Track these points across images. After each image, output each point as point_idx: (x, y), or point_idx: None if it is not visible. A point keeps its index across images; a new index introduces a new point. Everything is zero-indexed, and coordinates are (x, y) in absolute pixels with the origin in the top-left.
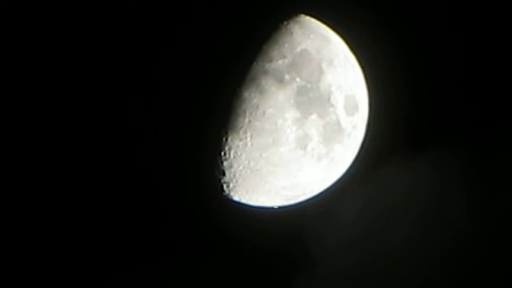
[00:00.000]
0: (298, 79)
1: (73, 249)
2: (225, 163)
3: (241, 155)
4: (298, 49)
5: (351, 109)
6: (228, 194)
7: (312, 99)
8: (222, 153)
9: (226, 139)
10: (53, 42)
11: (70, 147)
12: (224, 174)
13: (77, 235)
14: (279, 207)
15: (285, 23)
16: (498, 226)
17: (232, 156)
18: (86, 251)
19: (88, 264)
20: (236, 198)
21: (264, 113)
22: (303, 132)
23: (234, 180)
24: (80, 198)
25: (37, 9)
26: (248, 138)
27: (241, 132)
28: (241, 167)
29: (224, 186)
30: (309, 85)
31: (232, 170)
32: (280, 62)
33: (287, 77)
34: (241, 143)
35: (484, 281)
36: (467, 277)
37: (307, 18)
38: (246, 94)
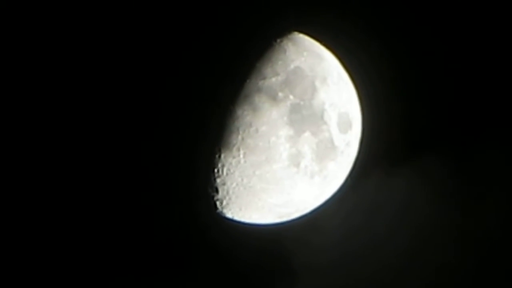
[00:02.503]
0: (291, 97)
1: (64, 252)
2: (218, 180)
3: (234, 172)
4: (292, 66)
5: (344, 126)
6: (221, 211)
7: (305, 117)
8: (215, 170)
9: (219, 156)
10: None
11: (62, 156)
12: (217, 191)
13: (70, 241)
14: (272, 224)
15: (278, 40)
16: (489, 233)
17: (225, 173)
18: (80, 257)
19: (81, 269)
20: (229, 215)
21: (257, 130)
22: (296, 149)
23: (227, 197)
24: (73, 209)
25: (35, 9)
26: (241, 156)
27: (234, 149)
28: (234, 184)
29: (217, 203)
30: (302, 103)
31: (225, 187)
32: (273, 79)
33: (280, 94)
34: (234, 161)
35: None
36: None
37: (301, 35)
38: (239, 112)
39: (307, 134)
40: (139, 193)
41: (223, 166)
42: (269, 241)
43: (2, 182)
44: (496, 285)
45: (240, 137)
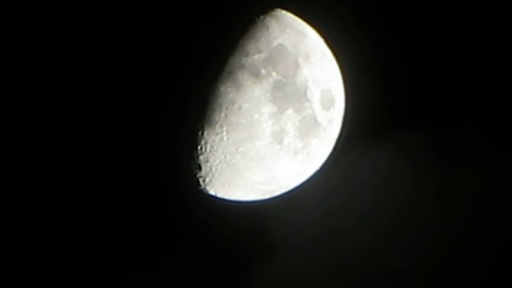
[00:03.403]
0: (274, 74)
1: (48, 239)
2: (201, 158)
3: (217, 149)
4: (275, 43)
5: (327, 103)
6: (204, 189)
7: (288, 94)
8: (198, 148)
9: (202, 134)
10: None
11: (48, 146)
12: (200, 168)
13: (51, 223)
14: (255, 201)
15: (261, 17)
16: (469, 207)
17: (208, 151)
18: (58, 241)
19: (62, 254)
20: (212, 192)
21: (240, 107)
22: (279, 126)
23: (210, 175)
24: (54, 190)
25: (31, 9)
26: (224, 133)
27: (217, 126)
28: (217, 162)
29: (200, 180)
30: (285, 80)
31: (208, 164)
32: (256, 56)
33: (263, 71)
34: (217, 138)
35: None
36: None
37: (284, 12)
38: (222, 89)
39: (290, 111)
40: (121, 170)
41: (206, 143)
42: (251, 218)
43: None
44: (477, 261)
45: (223, 114)
